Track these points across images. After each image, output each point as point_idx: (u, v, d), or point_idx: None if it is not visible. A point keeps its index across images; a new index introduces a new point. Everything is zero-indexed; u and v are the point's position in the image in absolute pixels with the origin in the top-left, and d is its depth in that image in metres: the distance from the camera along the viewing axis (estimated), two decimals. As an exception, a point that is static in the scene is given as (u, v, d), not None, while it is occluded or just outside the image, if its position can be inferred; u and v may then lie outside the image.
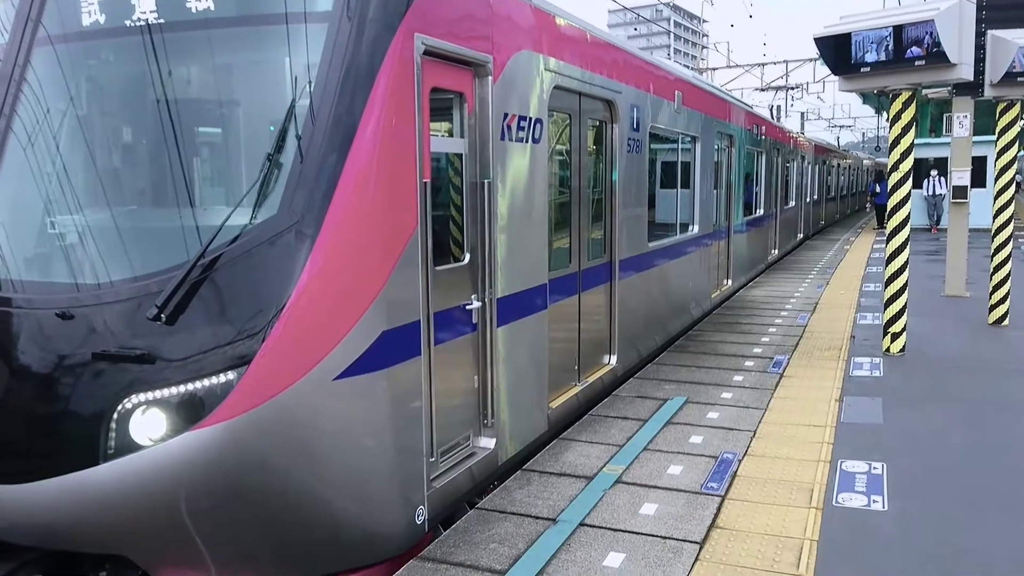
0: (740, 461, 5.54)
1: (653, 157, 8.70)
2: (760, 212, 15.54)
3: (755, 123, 14.43)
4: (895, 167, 8.21)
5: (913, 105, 8.08)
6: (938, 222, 24.07)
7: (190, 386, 3.64)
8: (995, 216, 9.75)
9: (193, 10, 4.13)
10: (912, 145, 8.16)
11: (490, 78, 4.93)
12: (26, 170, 4.40)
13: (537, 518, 4.66)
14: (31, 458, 3.80)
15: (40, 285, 4.12)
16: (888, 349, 8.62)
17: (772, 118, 32.91)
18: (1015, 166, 9.76)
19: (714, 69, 38.66)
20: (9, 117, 4.41)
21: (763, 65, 36.74)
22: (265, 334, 3.63)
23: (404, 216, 4.13)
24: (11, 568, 4.05)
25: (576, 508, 4.79)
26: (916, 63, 7.50)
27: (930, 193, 24.07)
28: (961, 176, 12.38)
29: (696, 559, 4.15)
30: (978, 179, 19.40)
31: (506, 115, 5.15)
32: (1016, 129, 9.68)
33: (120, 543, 3.89)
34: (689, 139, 10.06)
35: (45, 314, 3.94)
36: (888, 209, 8.41)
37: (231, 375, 3.62)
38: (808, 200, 23.48)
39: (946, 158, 24.65)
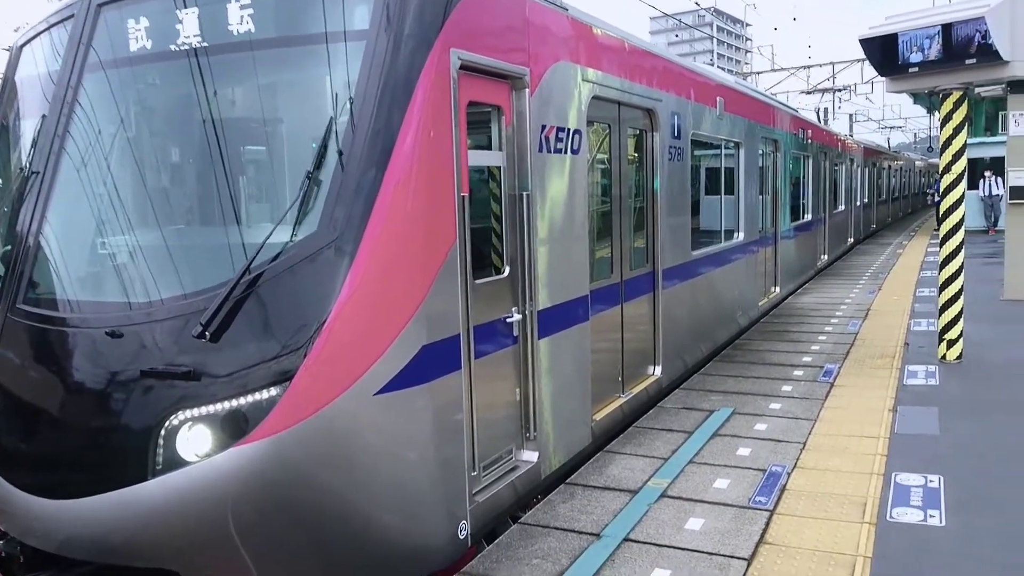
0: (789, 474, 5.40)
1: (696, 164, 8.60)
2: (808, 217, 15.26)
3: (801, 127, 14.18)
4: (947, 168, 7.99)
5: (965, 105, 7.86)
6: (995, 223, 23.29)
7: (235, 402, 3.68)
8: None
9: (235, 33, 4.21)
10: (965, 146, 7.93)
11: (527, 90, 4.92)
12: (77, 191, 4.53)
13: (581, 533, 4.61)
14: (83, 474, 3.89)
15: (91, 304, 4.23)
16: (944, 356, 8.34)
17: (819, 121, 32.37)
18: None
19: (758, 73, 38.16)
20: (62, 138, 4.54)
21: (808, 67, 36.09)
22: (307, 350, 3.66)
23: (442, 230, 4.14)
24: (65, 581, 4.15)
25: (620, 523, 4.72)
26: (967, 61, 7.31)
27: (986, 194, 23.30)
28: (1019, 176, 11.97)
29: (744, 576, 4.06)
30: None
31: (544, 127, 5.14)
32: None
33: (169, 557, 3.94)
34: (733, 145, 9.92)
35: (96, 332, 4.04)
36: (941, 212, 8.18)
37: (274, 391, 3.66)
38: (858, 204, 22.98)
39: (1002, 157, 23.85)
